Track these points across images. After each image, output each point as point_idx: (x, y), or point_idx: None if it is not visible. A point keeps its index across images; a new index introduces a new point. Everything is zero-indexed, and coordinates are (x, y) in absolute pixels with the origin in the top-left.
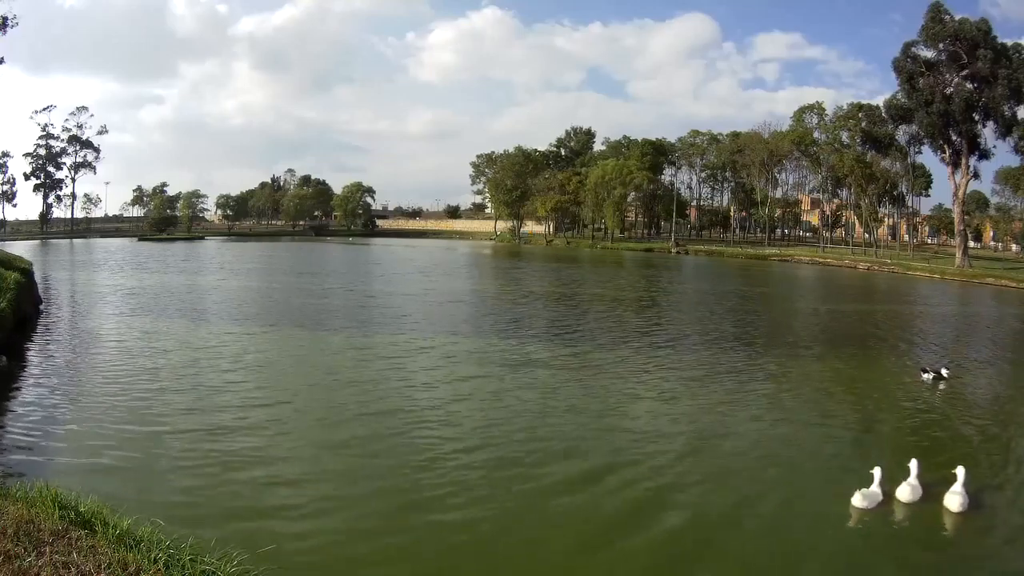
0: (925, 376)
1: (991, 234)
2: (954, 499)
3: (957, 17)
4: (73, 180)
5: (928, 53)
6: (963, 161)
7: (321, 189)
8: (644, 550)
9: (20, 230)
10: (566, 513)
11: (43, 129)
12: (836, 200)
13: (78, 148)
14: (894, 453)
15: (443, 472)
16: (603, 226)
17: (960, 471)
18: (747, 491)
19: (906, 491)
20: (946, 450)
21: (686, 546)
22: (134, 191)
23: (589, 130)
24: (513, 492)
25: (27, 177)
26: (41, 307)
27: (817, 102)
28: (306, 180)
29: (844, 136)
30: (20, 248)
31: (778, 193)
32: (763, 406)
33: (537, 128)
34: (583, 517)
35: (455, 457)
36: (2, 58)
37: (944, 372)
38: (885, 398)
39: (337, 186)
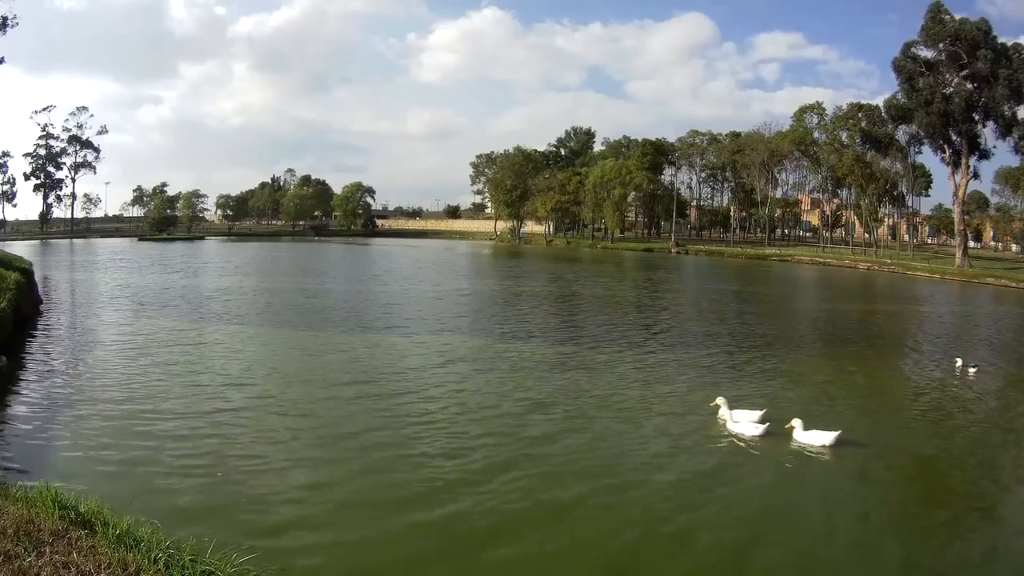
0: (971, 370)
1: (991, 234)
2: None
3: (957, 17)
4: (73, 180)
5: (928, 53)
6: (963, 161)
7: (321, 189)
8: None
9: (20, 230)
10: (564, 507)
11: (43, 129)
12: (836, 200)
13: (78, 148)
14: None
15: (446, 474)
16: (603, 226)
17: (797, 421)
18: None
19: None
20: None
21: None
22: (134, 191)
23: (589, 130)
24: (517, 493)
25: (27, 177)
26: (41, 307)
27: (817, 102)
28: (306, 180)
29: (844, 136)
30: (20, 248)
31: (778, 193)
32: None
33: (537, 128)
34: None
35: (458, 459)
36: (2, 58)
37: (958, 361)
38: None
39: (337, 186)
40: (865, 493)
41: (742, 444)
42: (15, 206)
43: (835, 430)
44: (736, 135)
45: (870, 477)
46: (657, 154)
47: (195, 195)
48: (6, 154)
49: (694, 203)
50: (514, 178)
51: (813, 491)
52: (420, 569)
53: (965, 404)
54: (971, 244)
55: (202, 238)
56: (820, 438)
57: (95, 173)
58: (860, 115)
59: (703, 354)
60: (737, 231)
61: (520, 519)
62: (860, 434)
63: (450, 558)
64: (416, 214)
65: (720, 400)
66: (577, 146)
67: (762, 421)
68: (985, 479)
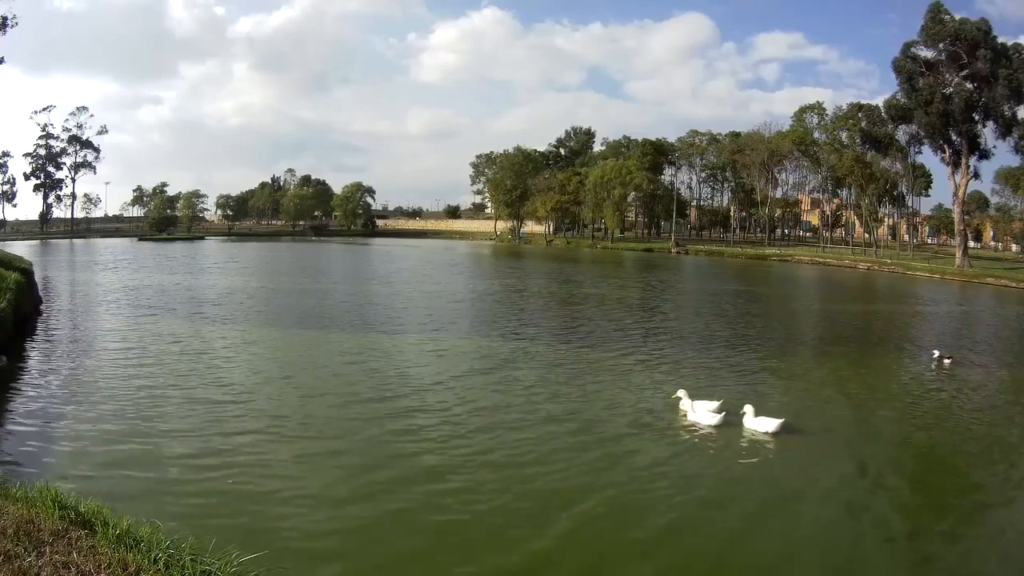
0: (947, 361)
1: (991, 234)
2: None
3: (957, 17)
4: (73, 180)
5: (928, 53)
6: (963, 161)
7: (321, 189)
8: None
9: (20, 230)
10: (559, 504)
11: (43, 129)
12: (836, 200)
13: (78, 148)
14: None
15: (446, 474)
16: (603, 226)
17: (748, 408)
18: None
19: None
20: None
21: None
22: (134, 191)
23: (589, 130)
24: (519, 493)
25: (27, 177)
26: (41, 307)
27: (817, 102)
28: (306, 180)
29: (844, 136)
30: (20, 248)
31: (778, 193)
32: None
33: (537, 128)
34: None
35: (458, 459)
36: (2, 58)
37: (935, 353)
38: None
39: (337, 186)
40: (800, 472)
41: (699, 431)
42: (15, 206)
43: (781, 418)
44: (736, 135)
45: (805, 457)
46: (657, 154)
47: (195, 195)
48: (6, 154)
49: (694, 203)
50: (514, 178)
51: (752, 470)
52: (425, 571)
53: (929, 392)
54: (971, 244)
55: (202, 238)
56: (766, 424)
57: (95, 173)
58: (860, 115)
59: (702, 354)
60: (737, 231)
61: (524, 530)
62: (812, 419)
63: (453, 561)
64: (416, 214)
65: (681, 392)
66: (577, 146)
67: (719, 411)
68: (917, 457)
